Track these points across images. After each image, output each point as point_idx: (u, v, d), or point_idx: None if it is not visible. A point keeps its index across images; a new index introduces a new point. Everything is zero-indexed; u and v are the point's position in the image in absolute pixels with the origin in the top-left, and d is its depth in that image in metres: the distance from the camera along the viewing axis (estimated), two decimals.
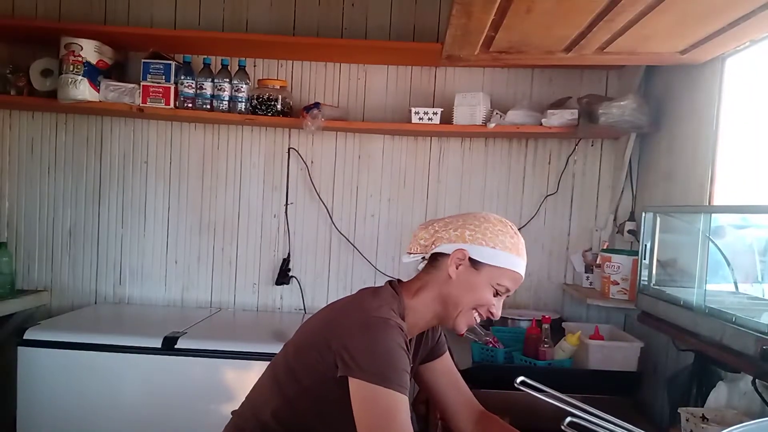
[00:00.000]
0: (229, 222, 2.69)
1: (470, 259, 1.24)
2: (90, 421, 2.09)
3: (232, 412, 1.35)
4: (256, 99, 2.43)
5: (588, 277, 2.48)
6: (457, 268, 1.24)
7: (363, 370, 1.11)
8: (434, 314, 1.29)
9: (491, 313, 1.27)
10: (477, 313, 1.27)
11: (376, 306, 1.21)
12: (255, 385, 1.34)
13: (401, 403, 1.11)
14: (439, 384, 1.44)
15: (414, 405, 2.06)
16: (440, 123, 2.40)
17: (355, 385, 1.12)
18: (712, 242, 1.59)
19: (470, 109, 2.39)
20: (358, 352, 1.13)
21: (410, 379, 1.40)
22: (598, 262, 2.36)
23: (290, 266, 2.66)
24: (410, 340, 1.36)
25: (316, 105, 2.42)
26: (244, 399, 1.36)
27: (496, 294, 1.26)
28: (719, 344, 1.42)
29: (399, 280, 1.34)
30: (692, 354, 1.70)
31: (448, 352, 1.47)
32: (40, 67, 2.45)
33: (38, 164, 2.67)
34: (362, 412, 1.10)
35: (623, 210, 2.48)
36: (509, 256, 1.25)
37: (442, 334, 1.48)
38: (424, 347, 1.42)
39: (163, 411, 2.08)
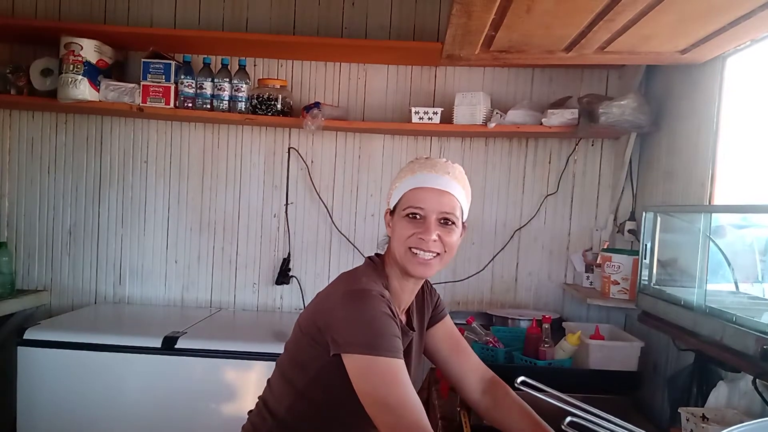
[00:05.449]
0: (229, 221, 2.69)
1: (391, 212, 1.30)
2: (90, 421, 2.09)
3: (249, 413, 1.37)
4: (256, 98, 2.42)
5: (588, 276, 2.48)
6: (389, 227, 1.30)
7: (351, 343, 1.11)
8: (399, 272, 1.28)
9: (422, 240, 1.21)
10: (415, 251, 1.22)
11: (355, 280, 1.23)
12: (266, 385, 1.36)
13: (397, 367, 1.11)
14: (442, 350, 1.43)
15: None
16: (440, 123, 2.40)
17: (348, 360, 1.12)
18: (713, 242, 1.59)
19: (470, 109, 2.39)
20: (343, 327, 1.14)
21: (421, 348, 1.41)
22: (598, 262, 2.36)
23: (290, 266, 2.66)
24: (410, 310, 1.37)
25: (317, 104, 2.42)
26: (257, 399, 1.37)
27: (414, 218, 1.23)
28: (719, 344, 1.42)
29: (378, 254, 1.36)
30: (692, 354, 1.70)
31: (449, 317, 1.47)
32: (40, 66, 2.45)
33: (38, 164, 2.67)
34: (361, 384, 1.10)
35: (623, 210, 2.48)
36: (404, 180, 1.27)
37: (440, 298, 1.48)
38: (427, 314, 1.42)
39: (163, 411, 2.08)
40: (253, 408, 1.37)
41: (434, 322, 1.44)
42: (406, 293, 1.31)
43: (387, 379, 1.09)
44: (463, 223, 1.29)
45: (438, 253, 1.23)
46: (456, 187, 1.25)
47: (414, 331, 1.35)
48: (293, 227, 2.67)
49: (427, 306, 1.43)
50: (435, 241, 1.21)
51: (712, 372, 1.62)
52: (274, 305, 2.70)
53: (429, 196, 1.23)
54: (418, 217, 1.22)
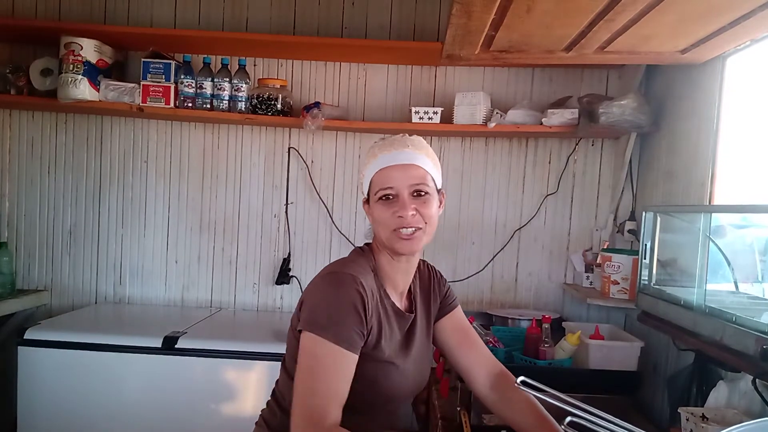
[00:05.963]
0: (229, 222, 2.69)
1: (366, 201, 1.30)
2: (90, 421, 2.09)
3: (262, 411, 1.38)
4: (256, 98, 2.43)
5: (588, 276, 2.48)
6: (369, 215, 1.30)
7: (307, 321, 1.14)
8: (389, 255, 1.28)
9: (401, 217, 1.20)
10: (398, 230, 1.22)
11: (339, 264, 1.24)
12: (276, 382, 1.38)
13: (342, 358, 1.11)
14: (451, 341, 1.42)
15: (414, 404, 2.06)
16: (440, 122, 2.40)
17: (302, 337, 1.14)
18: (713, 242, 1.59)
19: (470, 109, 2.39)
20: (307, 307, 1.17)
21: (429, 335, 1.40)
22: (598, 262, 2.36)
23: (290, 266, 2.66)
24: (412, 294, 1.37)
25: (317, 104, 2.42)
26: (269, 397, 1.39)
27: (388, 199, 1.23)
28: (719, 344, 1.42)
29: (367, 244, 1.36)
30: (692, 353, 1.70)
31: (459, 308, 1.46)
32: (40, 66, 2.45)
33: (38, 164, 2.67)
34: (301, 359, 1.12)
35: (623, 209, 2.48)
36: (369, 166, 1.27)
37: (450, 289, 1.47)
38: (434, 303, 1.41)
39: (164, 411, 2.08)
40: (264, 407, 1.39)
41: (443, 314, 1.43)
42: (399, 274, 1.31)
43: (324, 363, 1.09)
44: (439, 190, 1.29)
45: (420, 227, 1.23)
46: (419, 157, 1.25)
47: (413, 314, 1.34)
48: (293, 227, 2.67)
49: (434, 295, 1.42)
50: (414, 215, 1.21)
51: (712, 372, 1.62)
52: (275, 305, 2.70)
53: (395, 174, 1.22)
54: (390, 197, 1.23)
